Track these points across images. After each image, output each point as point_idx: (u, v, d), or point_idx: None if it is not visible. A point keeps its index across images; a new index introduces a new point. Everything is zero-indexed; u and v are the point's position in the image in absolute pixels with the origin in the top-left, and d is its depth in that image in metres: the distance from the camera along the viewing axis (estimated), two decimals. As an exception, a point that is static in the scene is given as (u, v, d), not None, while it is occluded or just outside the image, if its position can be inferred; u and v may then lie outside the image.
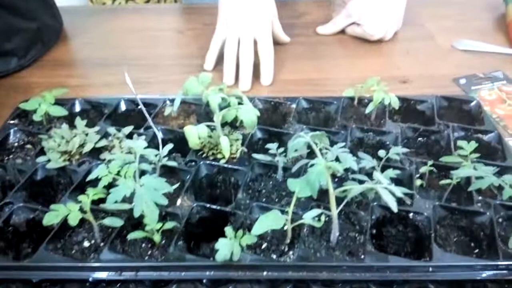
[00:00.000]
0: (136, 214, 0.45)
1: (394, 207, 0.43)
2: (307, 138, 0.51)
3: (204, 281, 0.48)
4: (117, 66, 0.90)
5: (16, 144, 0.66)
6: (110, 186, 0.50)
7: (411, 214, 0.54)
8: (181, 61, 0.92)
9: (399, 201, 0.48)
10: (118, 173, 0.49)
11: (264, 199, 0.58)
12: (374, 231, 0.54)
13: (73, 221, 0.47)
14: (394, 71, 0.87)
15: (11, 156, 0.64)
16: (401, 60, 0.91)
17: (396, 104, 0.64)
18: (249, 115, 0.58)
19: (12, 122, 0.69)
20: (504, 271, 0.48)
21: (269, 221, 0.46)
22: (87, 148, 0.61)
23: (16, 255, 0.53)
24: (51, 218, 0.47)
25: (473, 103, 0.73)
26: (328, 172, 0.47)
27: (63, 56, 0.94)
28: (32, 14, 0.88)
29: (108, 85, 0.84)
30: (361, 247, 0.50)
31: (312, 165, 0.47)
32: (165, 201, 0.47)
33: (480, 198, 0.55)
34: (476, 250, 0.53)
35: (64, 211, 0.47)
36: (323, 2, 1.15)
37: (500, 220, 0.54)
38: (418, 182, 0.59)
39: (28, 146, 0.65)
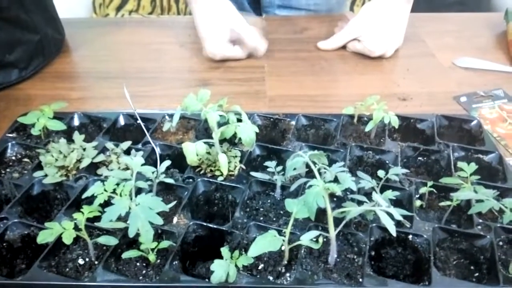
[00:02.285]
0: (131, 234, 0.45)
1: (393, 231, 0.43)
2: (306, 157, 0.51)
3: (199, 302, 0.47)
4: (118, 79, 0.90)
5: (13, 157, 0.65)
6: (106, 203, 0.49)
7: (410, 236, 0.53)
8: (181, 75, 0.92)
9: (398, 223, 0.48)
10: (114, 191, 0.49)
11: (261, 218, 0.57)
12: (372, 253, 0.53)
13: (67, 239, 0.46)
14: (394, 88, 0.87)
15: (8, 170, 0.63)
16: (401, 77, 0.91)
17: (396, 123, 0.64)
18: (247, 132, 0.58)
19: (10, 135, 0.68)
20: (505, 297, 0.47)
21: (266, 243, 0.46)
22: (84, 163, 0.61)
23: (10, 271, 0.53)
24: (45, 236, 0.46)
25: (473, 123, 0.72)
26: (326, 192, 0.46)
27: (64, 69, 0.94)
28: (35, 26, 0.89)
29: (108, 98, 0.84)
30: (359, 269, 0.50)
31: (310, 186, 0.47)
32: (160, 221, 0.46)
33: (480, 220, 0.54)
34: (476, 274, 0.52)
35: (58, 229, 0.47)
36: (325, 18, 1.16)
37: (501, 243, 0.53)
38: (417, 203, 0.58)
39: (26, 160, 0.65)
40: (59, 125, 0.66)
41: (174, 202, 0.55)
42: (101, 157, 0.62)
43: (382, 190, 0.55)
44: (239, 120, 0.62)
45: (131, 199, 0.48)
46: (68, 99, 0.83)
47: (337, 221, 0.48)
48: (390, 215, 0.44)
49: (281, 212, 0.57)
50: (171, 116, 0.71)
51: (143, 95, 0.85)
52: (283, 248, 0.49)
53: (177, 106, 0.62)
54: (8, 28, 0.83)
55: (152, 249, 0.49)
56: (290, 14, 1.18)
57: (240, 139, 0.60)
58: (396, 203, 0.57)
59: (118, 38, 1.06)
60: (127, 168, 0.60)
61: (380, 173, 0.56)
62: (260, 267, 0.50)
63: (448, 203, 0.55)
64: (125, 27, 1.11)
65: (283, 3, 1.18)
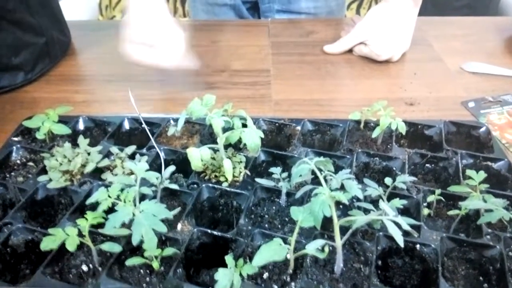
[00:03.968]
0: (135, 242, 0.44)
1: (400, 241, 0.42)
2: (312, 164, 0.50)
3: (203, 311, 0.47)
4: (123, 82, 0.90)
5: (18, 161, 0.65)
6: (110, 209, 0.49)
7: (418, 246, 0.52)
8: (187, 79, 0.91)
9: (406, 232, 0.47)
10: (118, 197, 0.48)
11: (266, 225, 0.56)
12: (379, 262, 0.52)
13: (71, 246, 0.46)
14: (401, 92, 0.86)
15: (12, 174, 0.63)
16: (409, 81, 0.90)
17: (403, 130, 0.63)
18: (252, 138, 0.57)
19: (15, 139, 0.68)
20: (515, 310, 0.46)
21: (271, 252, 0.45)
22: (89, 168, 0.60)
23: (13, 277, 0.52)
24: (49, 243, 0.46)
25: (482, 129, 0.71)
26: (332, 201, 0.45)
27: (70, 71, 0.94)
28: (41, 29, 0.89)
29: (114, 102, 0.84)
30: (366, 279, 0.49)
31: (316, 194, 0.46)
32: (164, 229, 0.46)
33: (489, 230, 0.53)
34: (485, 285, 0.51)
35: (61, 236, 0.47)
36: (331, 21, 1.15)
37: (511, 253, 0.52)
38: (425, 211, 0.57)
39: (30, 163, 0.65)
40: (64, 129, 0.66)
41: (178, 209, 0.54)
42: (105, 162, 0.62)
43: (389, 198, 0.54)
44: (244, 125, 0.61)
45: (135, 205, 0.47)
46: (73, 102, 0.83)
47: (344, 230, 0.47)
48: (397, 225, 0.43)
49: (286, 219, 0.57)
50: (176, 120, 0.71)
51: (149, 98, 0.84)
52: (288, 256, 0.49)
53: (183, 110, 0.62)
54: (13, 30, 0.83)
55: (156, 257, 0.49)
56: (291, 18, 1.17)
57: (245, 144, 0.60)
58: (403, 211, 0.57)
59: (123, 41, 1.05)
60: (131, 173, 0.60)
61: (387, 180, 0.56)
62: (265, 276, 0.49)
63: (456, 212, 0.54)
64: (130, 30, 1.11)
65: (282, 7, 1.17)
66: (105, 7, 1.98)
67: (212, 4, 1.18)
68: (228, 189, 0.59)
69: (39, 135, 0.65)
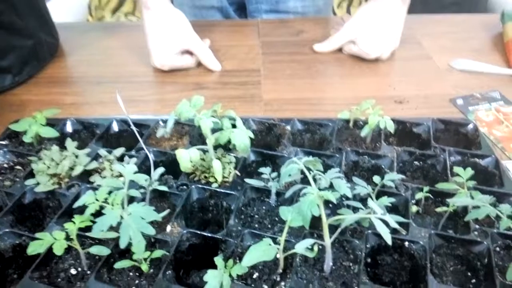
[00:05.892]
0: (122, 245, 0.44)
1: (388, 239, 0.42)
2: (301, 164, 0.50)
3: (193, 313, 0.47)
4: (112, 84, 0.89)
5: (5, 165, 0.65)
6: (98, 212, 0.48)
7: (406, 243, 0.52)
8: (176, 79, 0.91)
9: (394, 229, 0.47)
10: (105, 200, 0.48)
11: (256, 225, 0.57)
12: (369, 260, 0.53)
13: (58, 250, 0.46)
14: (390, 91, 0.86)
15: (0, 178, 0.63)
16: (398, 79, 0.90)
17: (391, 128, 0.64)
18: (242, 139, 0.57)
19: (2, 142, 0.68)
20: (502, 304, 0.47)
21: (260, 252, 0.45)
22: (77, 171, 0.60)
23: (1, 282, 0.52)
24: (36, 247, 0.46)
25: (469, 126, 0.72)
26: (321, 200, 0.45)
27: (58, 73, 0.93)
28: (29, 31, 0.88)
29: (103, 103, 0.83)
30: (355, 277, 0.49)
31: (304, 194, 0.46)
32: (152, 231, 0.45)
33: (477, 226, 0.54)
34: (473, 281, 0.51)
35: (49, 240, 0.46)
36: (320, 20, 1.15)
37: (498, 249, 0.53)
38: (414, 209, 0.57)
39: (18, 167, 0.64)
40: (51, 132, 0.65)
41: (167, 211, 0.54)
42: (94, 165, 0.61)
43: (378, 196, 0.54)
44: (234, 126, 0.61)
45: (123, 208, 0.47)
46: (62, 104, 0.82)
47: (333, 228, 0.47)
48: (385, 223, 0.43)
49: (276, 219, 0.57)
50: (165, 121, 0.71)
51: (138, 99, 0.84)
52: (278, 256, 0.49)
53: (172, 110, 0.62)
54: (1, 33, 0.83)
55: (145, 259, 0.49)
56: (278, 18, 1.17)
57: (234, 145, 0.59)
58: (392, 208, 0.57)
59: (112, 42, 1.05)
60: (120, 175, 0.59)
61: (376, 179, 0.56)
62: (254, 276, 0.49)
63: (444, 208, 0.55)
64: (120, 31, 1.10)
65: (270, 7, 1.17)
66: (95, 7, 1.97)
67: (200, 7, 1.18)
68: (217, 189, 0.59)
69: (26, 139, 0.65)
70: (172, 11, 0.89)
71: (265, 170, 0.58)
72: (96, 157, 0.63)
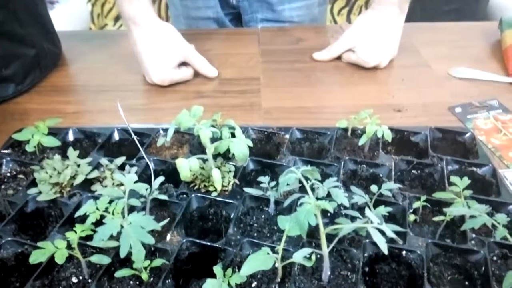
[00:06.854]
0: (122, 254, 0.45)
1: (384, 249, 0.43)
2: (298, 173, 0.51)
3: (192, 321, 0.47)
4: (114, 92, 0.90)
5: (8, 174, 0.66)
6: (99, 221, 0.49)
7: (404, 252, 0.53)
8: (177, 88, 0.92)
9: (392, 239, 0.48)
10: (106, 210, 0.49)
11: (255, 234, 0.57)
12: (366, 269, 0.53)
13: (60, 259, 0.46)
14: (389, 99, 0.87)
15: (2, 187, 0.64)
16: (396, 88, 0.91)
17: (389, 137, 0.64)
18: (240, 148, 0.58)
19: (5, 151, 0.69)
20: (499, 314, 0.47)
21: (259, 262, 0.46)
22: (79, 180, 0.61)
23: (3, 290, 0.53)
24: (37, 256, 0.46)
25: (467, 135, 0.72)
26: (318, 210, 0.46)
27: (61, 82, 0.94)
28: (31, 40, 0.89)
29: (104, 112, 0.84)
30: (353, 286, 0.50)
31: (302, 204, 0.47)
32: (152, 240, 0.46)
33: (474, 235, 0.54)
34: (471, 290, 0.52)
35: (51, 249, 0.47)
36: (320, 28, 1.16)
37: (495, 258, 0.53)
38: (411, 218, 0.58)
39: (20, 176, 0.65)
40: (53, 142, 0.66)
41: (167, 220, 0.55)
42: (95, 173, 0.62)
43: (375, 205, 0.55)
44: (233, 135, 0.62)
45: (123, 217, 0.48)
46: (64, 113, 0.83)
47: (330, 237, 0.48)
48: (382, 232, 0.44)
49: (275, 227, 0.57)
50: (165, 130, 0.71)
51: (139, 108, 0.85)
52: (276, 265, 0.49)
53: (173, 119, 0.63)
54: (3, 42, 0.84)
55: (145, 268, 0.49)
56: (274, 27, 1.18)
57: (234, 154, 0.60)
58: (389, 217, 0.58)
59: (114, 51, 1.06)
60: (121, 184, 0.60)
61: (373, 188, 0.56)
62: (253, 285, 0.50)
63: (441, 217, 0.55)
64: (122, 40, 1.11)
65: (266, 16, 1.17)
66: (97, 16, 1.99)
67: (196, 18, 1.19)
68: (217, 198, 0.60)
69: (29, 148, 0.66)
70: (162, 25, 0.88)
71: (264, 179, 0.59)
72: (97, 166, 0.64)
